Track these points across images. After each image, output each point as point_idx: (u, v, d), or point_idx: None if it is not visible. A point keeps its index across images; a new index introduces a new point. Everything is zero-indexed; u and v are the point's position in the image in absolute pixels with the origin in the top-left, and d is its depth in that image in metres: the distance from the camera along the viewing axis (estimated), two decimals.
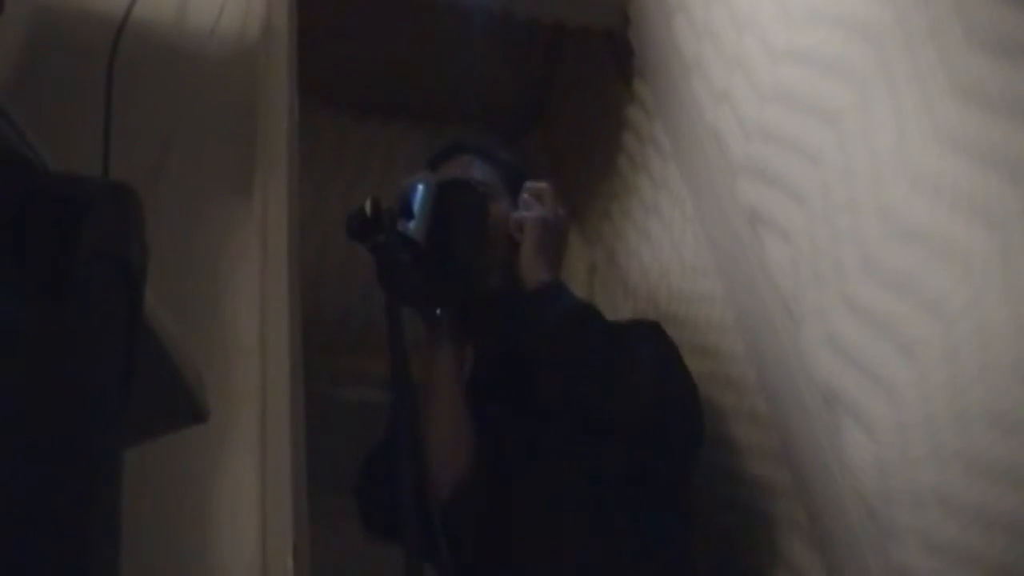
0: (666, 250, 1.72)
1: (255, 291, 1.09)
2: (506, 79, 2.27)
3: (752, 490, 1.34)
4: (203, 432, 0.96)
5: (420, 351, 1.31)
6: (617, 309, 1.87)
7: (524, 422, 1.28)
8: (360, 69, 2.07)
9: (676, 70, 1.65)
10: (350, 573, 1.50)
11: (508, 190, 1.44)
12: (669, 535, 1.25)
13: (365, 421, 1.33)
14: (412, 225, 1.29)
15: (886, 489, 1.05)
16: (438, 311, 1.34)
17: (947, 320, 1.00)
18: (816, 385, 1.18)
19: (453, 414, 1.30)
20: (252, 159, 1.22)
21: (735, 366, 1.41)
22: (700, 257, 1.57)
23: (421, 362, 1.31)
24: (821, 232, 1.21)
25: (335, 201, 1.95)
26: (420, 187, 1.34)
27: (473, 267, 1.33)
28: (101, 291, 0.51)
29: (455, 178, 1.41)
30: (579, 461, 1.23)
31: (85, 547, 0.47)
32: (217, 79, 1.31)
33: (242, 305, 1.08)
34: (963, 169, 1.00)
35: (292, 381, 1.01)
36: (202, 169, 1.20)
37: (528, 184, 1.43)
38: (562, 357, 1.24)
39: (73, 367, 0.49)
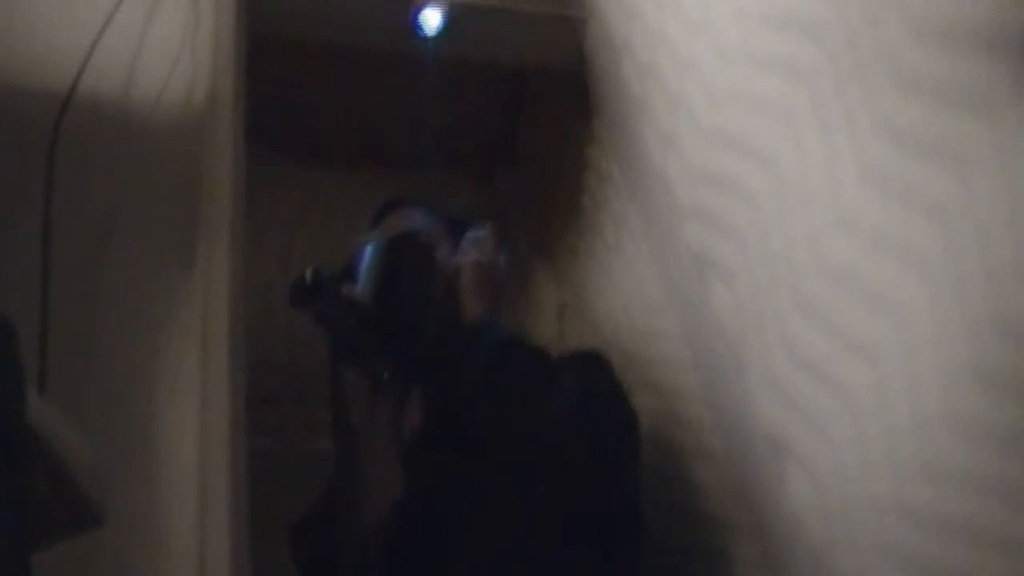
0: (628, 288, 1.72)
1: (195, 364, 1.10)
2: (471, 121, 2.29)
3: (711, 529, 1.33)
4: (141, 492, 0.98)
5: (360, 401, 1.31)
6: (586, 347, 1.87)
7: (469, 469, 1.27)
8: (317, 120, 2.08)
9: (626, 111, 1.67)
10: None
11: (450, 239, 1.46)
12: None
13: (312, 471, 1.34)
14: (359, 287, 1.30)
15: (830, 538, 1.04)
16: (384, 373, 1.35)
17: (879, 365, 1.00)
18: (762, 430, 1.18)
19: (384, 463, 1.30)
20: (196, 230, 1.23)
21: (692, 405, 1.42)
22: (658, 296, 1.57)
23: (362, 413, 1.32)
24: (760, 275, 1.21)
25: (295, 249, 1.97)
26: (368, 248, 1.36)
27: (420, 322, 1.34)
28: None
29: (402, 232, 1.42)
30: (517, 507, 1.22)
31: None
32: (163, 149, 1.32)
33: (182, 379, 1.09)
34: (891, 208, 1.00)
35: (231, 457, 1.02)
36: (147, 242, 1.21)
37: (469, 234, 1.45)
38: (485, 390, 1.25)
39: None
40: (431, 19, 1.82)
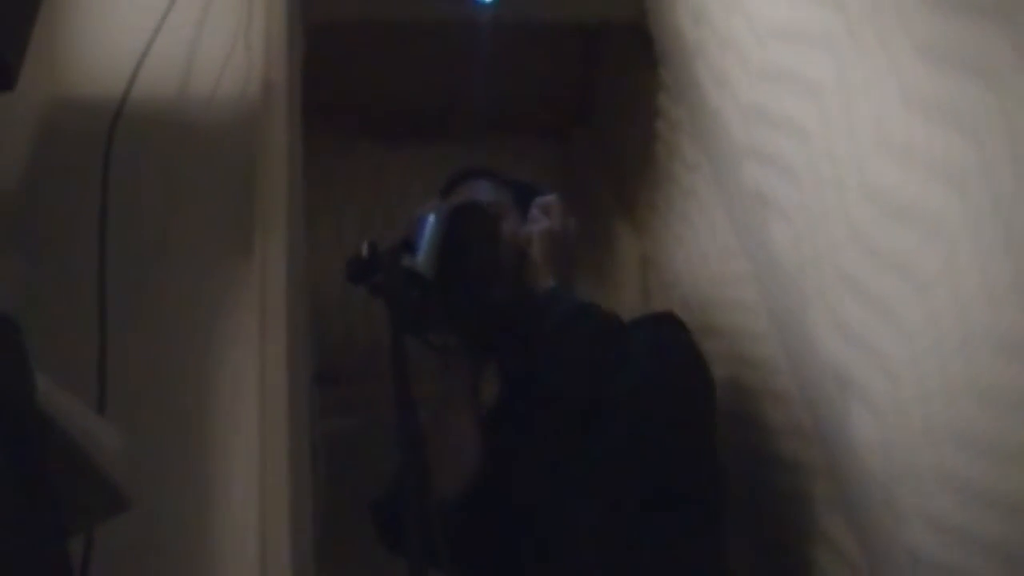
0: (703, 235, 1.71)
1: (255, 353, 1.13)
2: (543, 83, 2.28)
3: (786, 470, 1.32)
4: (205, 475, 1.02)
5: (434, 375, 1.33)
6: (669, 298, 1.87)
7: (547, 437, 1.28)
8: (388, 97, 2.11)
9: (685, 57, 1.64)
10: None
11: (519, 207, 1.46)
12: (698, 564, 1.24)
13: (372, 447, 1.36)
14: (420, 259, 1.31)
15: (892, 471, 1.02)
16: (451, 342, 1.36)
17: (927, 287, 0.98)
18: (827, 366, 1.16)
19: (461, 432, 1.31)
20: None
21: (765, 347, 1.40)
22: (730, 239, 1.55)
23: (436, 384, 1.33)
24: (814, 208, 1.19)
25: (375, 226, 2.00)
26: (430, 218, 1.36)
27: (486, 291, 1.34)
28: None
29: (464, 201, 1.42)
30: (596, 473, 1.22)
31: None
32: (219, 143, 1.35)
33: (243, 363, 1.12)
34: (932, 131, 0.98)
35: (290, 448, 1.04)
36: (205, 234, 1.25)
37: (538, 199, 1.44)
38: (559, 357, 1.25)
39: None
40: None
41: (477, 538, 1.25)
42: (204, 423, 1.07)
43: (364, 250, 1.25)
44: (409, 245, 1.32)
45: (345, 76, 2.07)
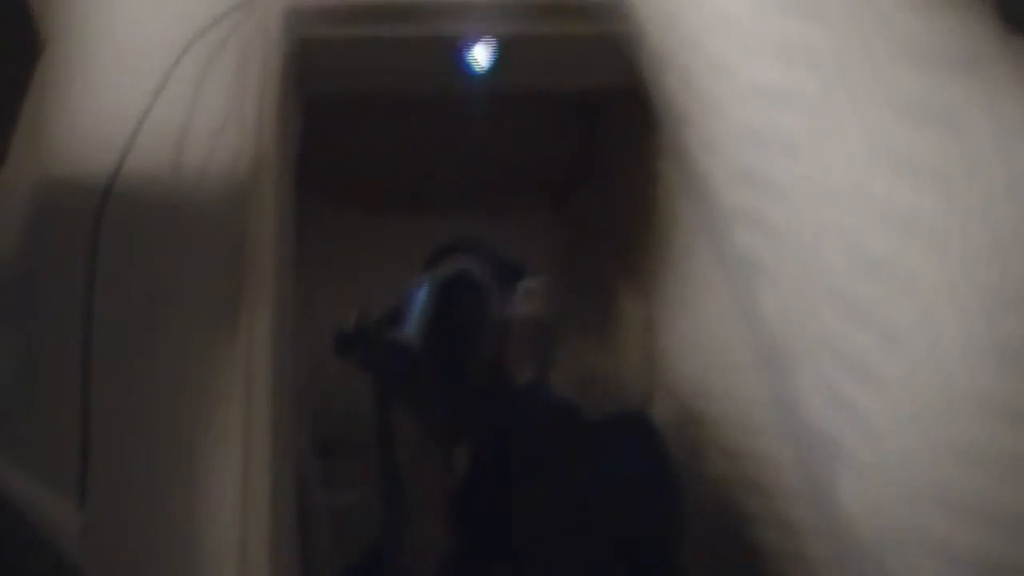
0: (703, 297, 1.70)
1: (239, 433, 1.12)
2: (546, 148, 2.29)
3: (784, 533, 1.29)
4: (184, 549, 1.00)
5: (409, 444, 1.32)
6: (671, 362, 1.85)
7: (512, 523, 1.25)
8: (382, 169, 2.12)
9: (674, 121, 1.64)
10: None
11: (502, 287, 1.44)
12: None
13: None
14: (408, 329, 1.31)
15: (878, 536, 1.00)
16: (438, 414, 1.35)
17: (908, 351, 0.96)
18: (815, 432, 1.14)
19: (434, 508, 1.29)
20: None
21: (764, 413, 1.38)
22: (726, 304, 1.54)
23: (412, 455, 1.32)
24: (796, 273, 1.17)
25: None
26: (420, 291, 1.36)
27: (472, 364, 1.34)
28: None
29: (456, 271, 1.42)
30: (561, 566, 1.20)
31: None
32: (208, 219, 1.36)
33: (224, 444, 1.11)
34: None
35: (272, 529, 1.03)
36: (192, 314, 1.25)
37: (522, 284, 1.44)
38: (533, 461, 1.24)
39: None
40: (480, 57, 1.83)
41: None
42: (187, 492, 1.06)
43: (350, 323, 1.25)
44: (395, 317, 1.32)
45: (342, 150, 2.09)
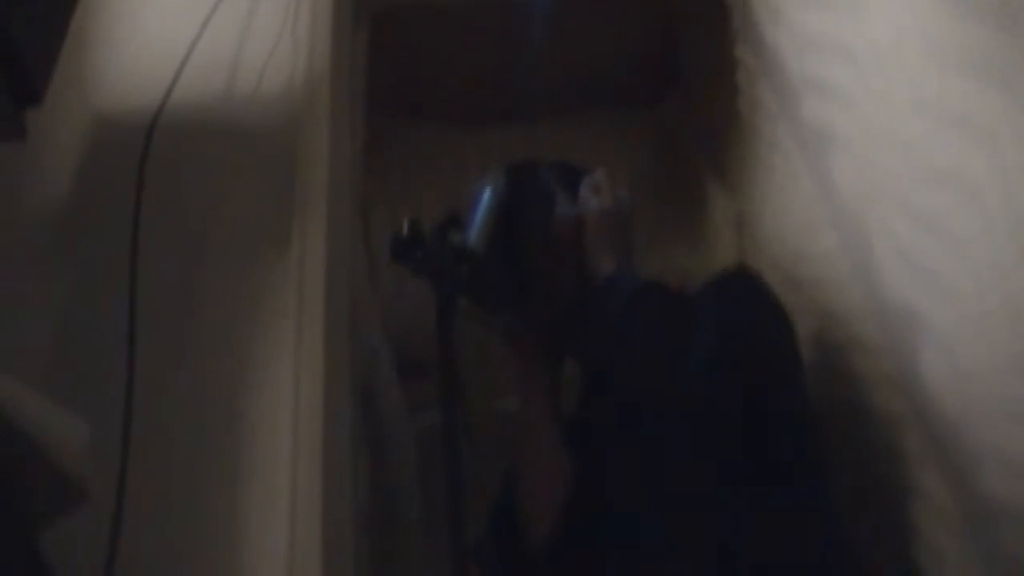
0: (788, 185, 1.61)
1: (291, 344, 1.10)
2: (629, 49, 2.21)
3: (878, 422, 1.22)
4: (230, 480, 0.99)
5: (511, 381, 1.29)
6: (762, 256, 1.77)
7: (631, 443, 1.18)
8: (465, 81, 2.07)
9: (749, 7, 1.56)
10: None
11: (566, 187, 1.38)
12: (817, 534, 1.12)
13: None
14: (472, 234, 1.26)
15: (963, 408, 0.93)
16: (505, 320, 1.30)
17: (985, 207, 0.88)
18: (896, 304, 1.07)
19: (545, 448, 1.24)
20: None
21: (849, 295, 1.30)
22: (808, 185, 1.46)
23: (516, 390, 1.29)
24: (870, 134, 1.09)
25: None
26: (485, 192, 1.31)
27: (540, 260, 1.29)
28: None
29: (521, 163, 1.37)
30: (694, 474, 1.12)
31: None
32: (261, 137, 1.33)
33: (276, 358, 1.09)
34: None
35: (323, 443, 1.00)
36: (246, 231, 1.22)
37: (586, 179, 1.37)
38: (623, 350, 1.16)
39: None
40: None
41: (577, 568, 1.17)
42: (238, 408, 1.04)
43: (404, 228, 1.22)
44: (456, 220, 1.27)
45: (418, 65, 2.05)
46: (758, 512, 1.08)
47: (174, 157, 1.24)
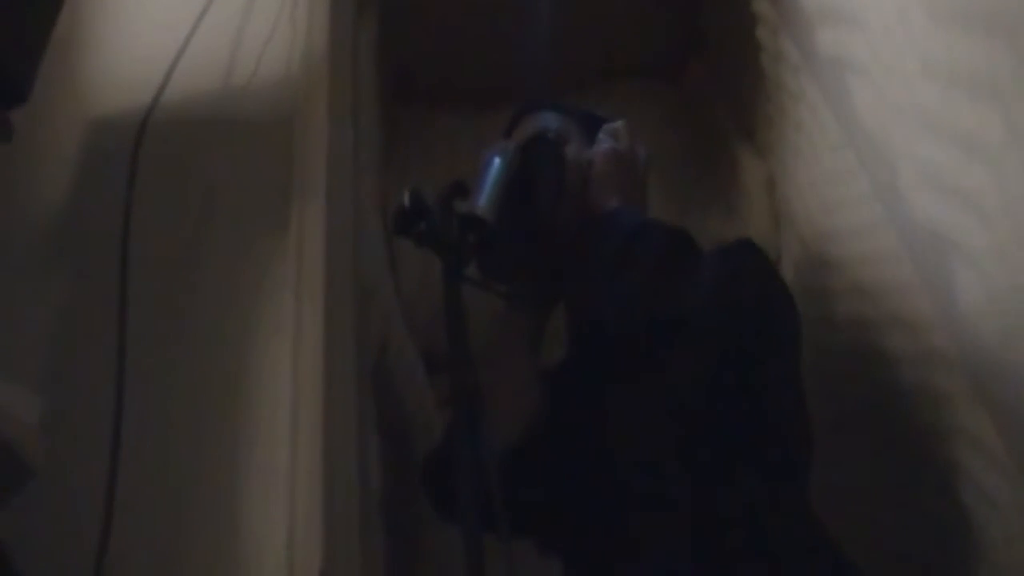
0: (816, 136, 1.54)
1: (290, 319, 1.06)
2: (654, 20, 2.15)
3: (919, 365, 1.14)
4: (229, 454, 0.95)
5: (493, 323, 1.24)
6: (793, 213, 1.70)
7: (617, 384, 1.13)
8: (484, 57, 2.02)
9: None
10: None
11: (584, 136, 1.34)
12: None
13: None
14: (481, 202, 1.21)
15: (1004, 332, 0.85)
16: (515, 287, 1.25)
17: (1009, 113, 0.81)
18: (927, 231, 1.00)
19: (517, 376, 1.20)
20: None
21: (884, 239, 1.22)
22: (837, 134, 1.38)
23: (495, 330, 1.24)
24: (887, 52, 1.02)
25: None
26: (495, 160, 1.26)
27: (553, 227, 1.24)
28: None
29: (531, 135, 1.33)
30: (673, 423, 1.06)
31: None
32: (260, 120, 1.29)
33: (276, 334, 1.06)
34: None
35: (323, 419, 0.96)
36: (245, 213, 1.19)
37: (606, 125, 1.33)
38: (620, 281, 1.10)
39: None
40: None
41: (539, 497, 1.13)
42: (237, 382, 1.00)
43: (406, 198, 1.17)
44: (461, 189, 1.22)
45: (428, 45, 2.01)
46: (723, 495, 1.03)
47: (169, 149, 1.21)
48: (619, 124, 1.33)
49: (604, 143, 1.29)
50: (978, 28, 0.83)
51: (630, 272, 1.10)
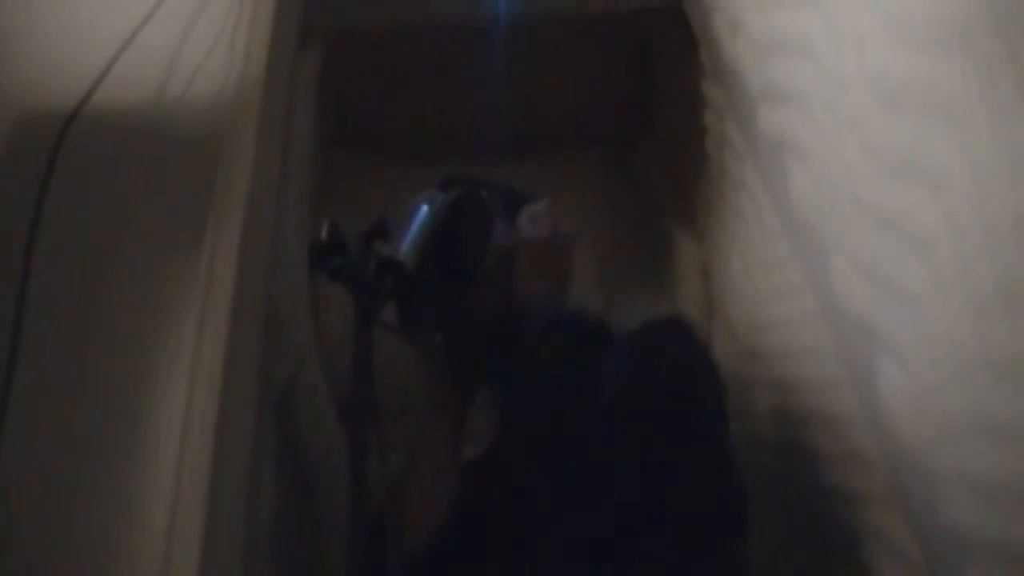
0: (752, 225, 1.52)
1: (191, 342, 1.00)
2: (605, 93, 2.14)
3: (838, 465, 1.11)
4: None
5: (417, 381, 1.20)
6: (725, 300, 1.67)
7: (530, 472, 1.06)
8: (418, 114, 2.00)
9: (704, 18, 1.48)
10: None
11: (507, 215, 1.32)
12: None
13: None
14: (403, 248, 1.17)
15: (924, 426, 0.82)
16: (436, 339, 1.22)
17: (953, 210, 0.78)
18: (854, 320, 0.96)
19: (440, 466, 1.15)
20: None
21: (812, 333, 1.20)
22: (775, 222, 1.36)
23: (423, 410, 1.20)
24: (827, 136, 1.00)
25: None
26: (423, 208, 1.23)
27: (475, 283, 1.20)
28: None
29: (467, 193, 1.29)
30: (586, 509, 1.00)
31: None
32: (183, 144, 1.25)
33: (177, 357, 1.00)
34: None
35: (214, 447, 0.90)
36: (161, 232, 1.14)
37: (526, 208, 1.31)
38: (535, 367, 1.06)
39: None
40: None
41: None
42: (134, 404, 0.94)
43: (324, 231, 1.12)
44: (382, 230, 1.18)
45: (373, 93, 1.98)
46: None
47: (89, 156, 1.15)
48: (540, 207, 1.31)
49: (526, 230, 1.27)
50: (922, 110, 0.80)
51: (545, 361, 1.06)
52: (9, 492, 0.78)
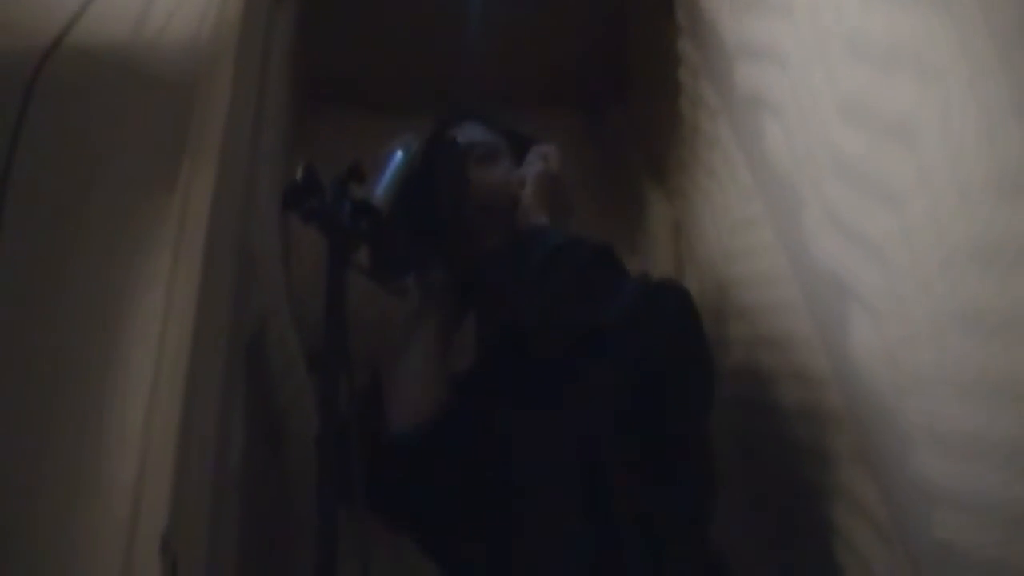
0: (726, 182, 1.52)
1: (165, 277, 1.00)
2: (580, 50, 2.13)
3: (805, 420, 1.13)
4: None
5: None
6: (697, 259, 1.69)
7: (524, 414, 1.13)
8: (402, 65, 1.98)
9: None
10: None
11: (514, 154, 1.37)
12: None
13: None
14: (377, 191, 1.17)
15: (894, 378, 0.83)
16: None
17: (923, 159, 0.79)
18: (825, 272, 0.98)
19: (425, 370, 1.20)
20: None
21: (784, 290, 1.21)
22: (749, 179, 1.37)
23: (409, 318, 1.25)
24: (803, 90, 1.01)
25: None
26: (397, 153, 1.23)
27: (451, 225, 1.21)
28: None
29: (436, 136, 1.29)
30: (579, 431, 1.07)
31: None
32: (164, 84, 1.24)
33: (151, 292, 0.99)
34: None
35: (186, 377, 0.91)
36: (137, 169, 1.13)
37: (536, 146, 1.36)
38: (543, 291, 1.10)
39: None
40: None
41: (427, 488, 1.13)
42: (108, 337, 0.94)
43: (299, 173, 1.12)
44: (358, 173, 1.18)
45: (348, 44, 1.96)
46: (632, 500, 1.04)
47: (64, 93, 1.14)
48: (552, 147, 1.36)
49: (536, 164, 1.31)
50: (900, 68, 0.81)
51: (554, 279, 1.11)
52: None
